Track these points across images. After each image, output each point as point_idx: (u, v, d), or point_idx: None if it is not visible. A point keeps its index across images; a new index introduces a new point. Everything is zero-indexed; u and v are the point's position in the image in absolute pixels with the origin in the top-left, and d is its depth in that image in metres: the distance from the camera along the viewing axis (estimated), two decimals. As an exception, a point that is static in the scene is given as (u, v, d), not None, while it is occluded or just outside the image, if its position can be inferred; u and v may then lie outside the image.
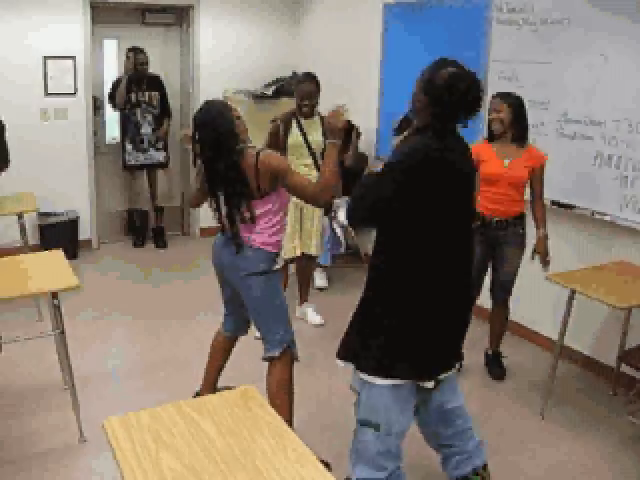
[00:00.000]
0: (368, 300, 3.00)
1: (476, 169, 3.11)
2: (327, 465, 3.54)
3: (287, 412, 3.64)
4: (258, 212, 3.50)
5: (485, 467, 3.29)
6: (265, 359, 3.70)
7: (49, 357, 4.56)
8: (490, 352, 4.87)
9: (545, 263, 4.47)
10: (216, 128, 3.43)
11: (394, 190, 2.76)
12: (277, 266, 3.60)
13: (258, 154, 3.44)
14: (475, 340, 4.90)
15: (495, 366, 4.83)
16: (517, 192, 4.45)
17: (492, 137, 4.47)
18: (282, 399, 3.66)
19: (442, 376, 3.04)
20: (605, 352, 4.77)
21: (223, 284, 3.84)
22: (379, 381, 2.90)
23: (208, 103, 3.54)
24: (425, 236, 2.83)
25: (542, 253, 4.46)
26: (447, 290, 2.91)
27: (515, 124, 4.38)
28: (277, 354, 3.65)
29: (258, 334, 4.15)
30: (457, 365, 3.21)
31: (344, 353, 3.05)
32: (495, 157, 4.40)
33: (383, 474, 3.02)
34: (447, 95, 2.77)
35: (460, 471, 3.25)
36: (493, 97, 4.46)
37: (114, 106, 7.11)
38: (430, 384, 2.95)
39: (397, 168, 2.80)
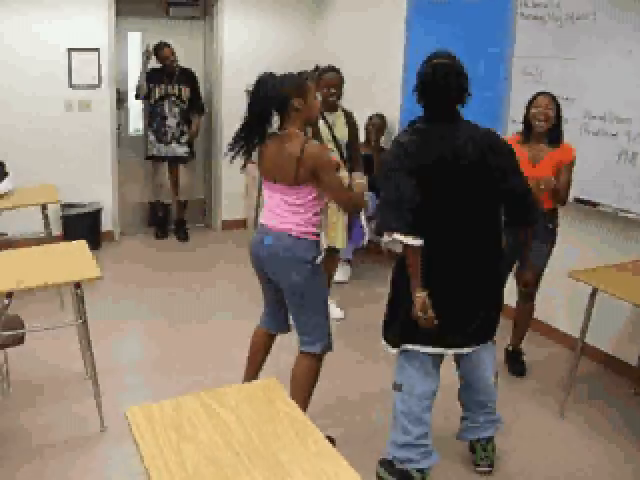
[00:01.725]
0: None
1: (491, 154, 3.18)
2: (332, 441, 3.63)
3: (306, 404, 3.65)
4: (299, 201, 3.44)
5: (489, 441, 3.68)
6: (304, 353, 3.65)
7: (71, 347, 4.58)
8: (510, 348, 4.85)
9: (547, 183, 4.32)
10: (266, 90, 3.38)
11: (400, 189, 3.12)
12: (320, 258, 3.54)
13: (305, 143, 3.36)
14: (496, 337, 4.88)
15: (515, 362, 4.81)
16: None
17: (528, 136, 4.42)
18: (307, 391, 3.66)
19: (452, 351, 3.40)
20: (627, 350, 4.75)
21: (264, 282, 3.75)
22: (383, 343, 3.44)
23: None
24: (425, 220, 3.12)
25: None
26: (447, 273, 3.21)
27: (555, 124, 4.33)
28: (319, 351, 3.64)
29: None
30: (473, 346, 3.42)
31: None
32: (526, 160, 4.28)
33: (410, 438, 3.40)
34: (421, 84, 3.17)
35: (465, 435, 3.73)
36: (539, 94, 4.36)
37: (137, 96, 7.16)
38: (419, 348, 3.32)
39: (385, 170, 3.22)
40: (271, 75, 3.44)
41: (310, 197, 3.45)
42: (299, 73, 3.53)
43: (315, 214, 3.51)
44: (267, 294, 3.82)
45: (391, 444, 3.48)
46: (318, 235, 3.55)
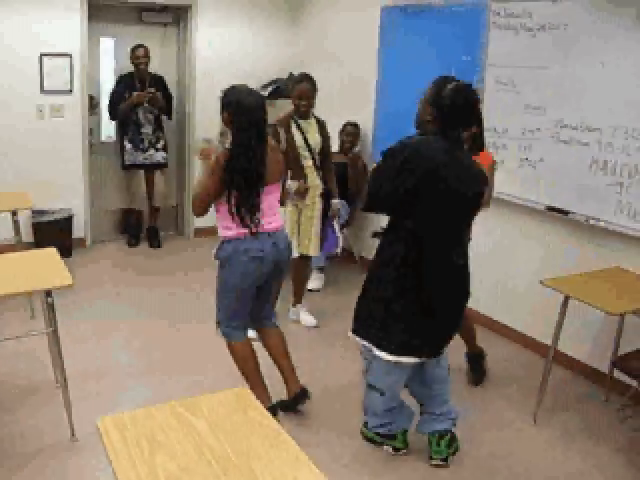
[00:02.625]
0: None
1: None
2: (305, 393, 4.19)
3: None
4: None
5: (443, 435, 3.75)
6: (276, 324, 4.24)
7: (42, 355, 4.54)
8: (470, 353, 4.80)
9: None
10: (264, 111, 3.74)
11: (391, 178, 3.30)
12: None
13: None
14: (461, 345, 4.85)
15: (475, 368, 4.78)
16: None
17: None
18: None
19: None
20: (598, 358, 4.78)
21: (254, 290, 3.96)
22: (378, 352, 3.50)
23: (247, 87, 3.85)
24: (408, 223, 3.37)
25: None
26: (432, 287, 3.40)
27: (477, 133, 4.18)
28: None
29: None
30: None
31: (355, 326, 3.64)
32: None
33: (388, 419, 3.78)
34: (450, 107, 3.30)
35: (422, 428, 3.83)
36: None
37: (113, 117, 7.12)
38: (415, 360, 3.50)
39: (388, 156, 3.36)
40: (258, 101, 3.80)
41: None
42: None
43: None
44: (251, 301, 4.00)
45: (372, 426, 3.82)
46: None
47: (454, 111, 3.31)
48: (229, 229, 3.76)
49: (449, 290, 3.45)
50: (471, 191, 3.39)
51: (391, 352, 3.46)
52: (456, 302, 3.56)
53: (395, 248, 3.42)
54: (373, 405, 3.73)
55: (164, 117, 7.25)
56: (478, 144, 4.30)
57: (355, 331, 3.63)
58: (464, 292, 3.58)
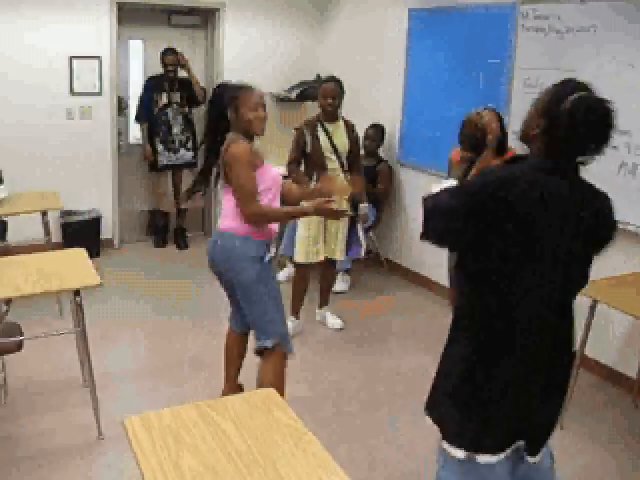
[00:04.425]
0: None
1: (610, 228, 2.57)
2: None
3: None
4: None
5: None
6: (257, 350, 3.75)
7: (69, 355, 4.57)
8: None
9: None
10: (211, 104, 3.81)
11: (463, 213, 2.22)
12: (268, 256, 3.76)
13: (232, 143, 3.57)
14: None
15: None
16: None
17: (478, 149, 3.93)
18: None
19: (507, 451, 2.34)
20: (627, 363, 4.73)
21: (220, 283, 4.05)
22: (453, 451, 2.32)
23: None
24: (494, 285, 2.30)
25: None
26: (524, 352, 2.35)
27: (500, 137, 3.88)
28: (270, 345, 3.68)
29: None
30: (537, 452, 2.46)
31: (429, 405, 2.46)
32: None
33: None
34: (569, 124, 2.31)
35: None
36: (484, 109, 3.93)
37: (138, 119, 7.21)
38: (493, 458, 2.30)
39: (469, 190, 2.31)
40: (221, 85, 3.87)
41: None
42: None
43: None
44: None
45: None
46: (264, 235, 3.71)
47: (573, 131, 2.32)
48: None
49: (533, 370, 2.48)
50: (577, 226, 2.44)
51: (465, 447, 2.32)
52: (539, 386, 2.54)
53: None
54: None
55: (193, 115, 7.31)
56: (500, 149, 4.26)
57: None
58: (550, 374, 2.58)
